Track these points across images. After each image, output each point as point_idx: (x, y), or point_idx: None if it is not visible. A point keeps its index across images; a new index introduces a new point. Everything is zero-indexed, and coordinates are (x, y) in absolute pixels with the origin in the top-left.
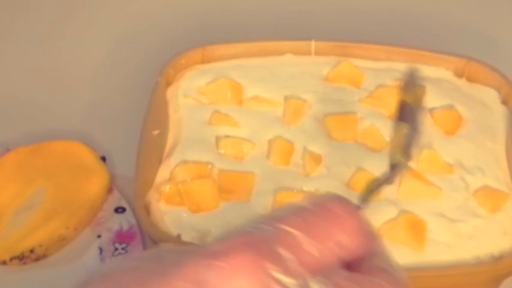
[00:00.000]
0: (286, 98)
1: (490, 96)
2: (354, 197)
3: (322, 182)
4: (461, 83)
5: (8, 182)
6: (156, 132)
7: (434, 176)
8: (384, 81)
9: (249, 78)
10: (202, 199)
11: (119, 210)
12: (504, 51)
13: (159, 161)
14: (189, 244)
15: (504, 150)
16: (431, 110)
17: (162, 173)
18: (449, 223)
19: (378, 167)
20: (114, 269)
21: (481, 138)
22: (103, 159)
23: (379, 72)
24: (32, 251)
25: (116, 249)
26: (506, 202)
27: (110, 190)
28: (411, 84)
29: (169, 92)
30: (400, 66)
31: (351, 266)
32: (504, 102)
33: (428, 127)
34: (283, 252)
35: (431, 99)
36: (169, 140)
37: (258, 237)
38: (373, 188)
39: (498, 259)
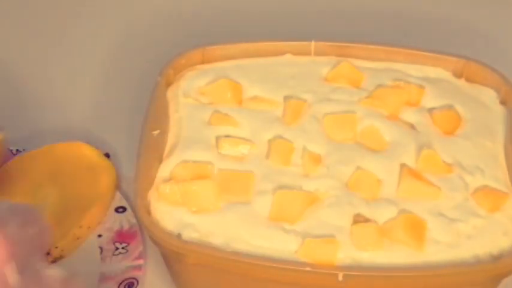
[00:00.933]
0: (285, 98)
1: (489, 97)
2: (353, 197)
3: (321, 181)
4: (461, 83)
5: (15, 188)
6: (156, 132)
7: (433, 176)
8: (383, 81)
9: (249, 79)
10: (202, 199)
11: (120, 209)
12: (503, 52)
13: (160, 161)
14: (190, 243)
15: (503, 150)
16: (430, 110)
17: (162, 172)
18: (448, 223)
19: (377, 167)
20: None
21: (480, 138)
22: (107, 155)
23: (378, 72)
24: (48, 253)
25: (117, 248)
26: (505, 202)
27: (118, 185)
28: None
29: (170, 92)
30: (400, 67)
31: None
32: (503, 102)
33: (427, 127)
34: None
35: (430, 99)
36: (170, 140)
37: None
38: None
39: (497, 258)
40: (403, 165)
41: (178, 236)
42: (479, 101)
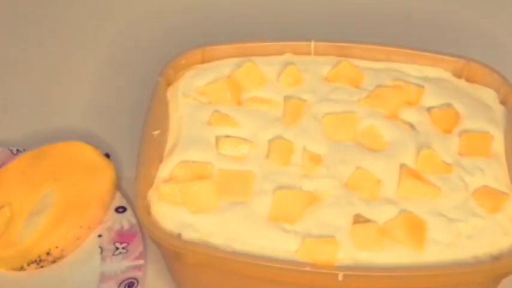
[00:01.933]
0: (285, 98)
1: (489, 96)
2: (353, 197)
3: (321, 181)
4: (460, 83)
5: (16, 189)
6: (156, 132)
7: (433, 176)
8: (383, 81)
9: (248, 77)
10: (202, 199)
11: (120, 209)
12: (503, 52)
13: (160, 161)
14: (190, 243)
15: (503, 150)
16: (429, 109)
17: (162, 172)
18: (448, 223)
19: (377, 167)
20: None
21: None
22: (107, 156)
23: (378, 72)
24: (48, 253)
25: (117, 248)
26: (505, 202)
27: (117, 186)
28: None
29: (170, 92)
30: (400, 67)
31: None
32: (503, 102)
33: (427, 126)
34: None
35: (430, 98)
36: (170, 140)
37: None
38: None
39: (497, 259)
40: (402, 165)
41: (179, 236)
42: (479, 100)
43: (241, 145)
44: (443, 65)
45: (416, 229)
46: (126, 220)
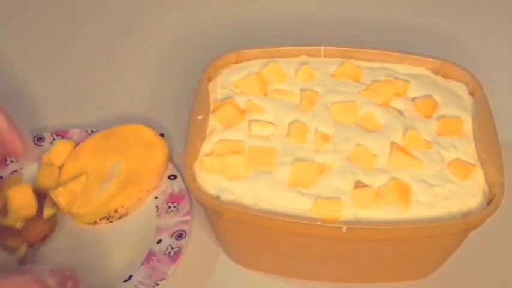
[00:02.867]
0: (302, 90)
1: (460, 89)
2: (354, 167)
3: (329, 155)
4: (438, 78)
5: (90, 161)
6: (200, 117)
7: (416, 151)
8: (377, 78)
9: (272, 74)
10: (236, 169)
11: (172, 177)
12: (472, 54)
13: (203, 139)
14: (226, 203)
15: (471, 131)
16: (413, 99)
17: (205, 148)
18: (428, 187)
19: (372, 144)
20: None
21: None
22: (162, 135)
23: (374, 71)
24: (116, 211)
25: (169, 207)
26: (473, 171)
27: (170, 158)
28: None
29: (211, 86)
30: (390, 66)
31: None
32: (471, 93)
33: (411, 112)
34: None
35: (414, 91)
36: (210, 123)
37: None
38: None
39: (466, 215)
40: (393, 143)
41: (217, 197)
42: (453, 92)
43: (267, 127)
44: (424, 64)
45: (403, 192)
46: (177, 185)
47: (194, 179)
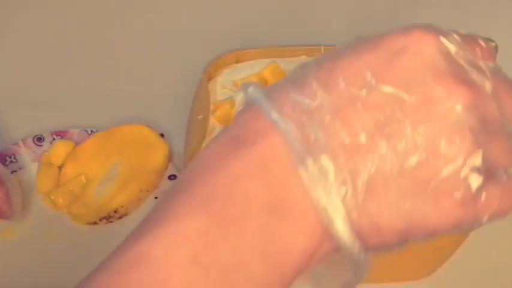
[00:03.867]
0: None
1: None
2: None
3: None
4: None
5: (90, 161)
6: (200, 116)
7: None
8: None
9: (273, 75)
10: None
11: (172, 177)
12: None
13: (203, 139)
14: None
15: None
16: None
17: None
18: None
19: None
20: None
21: None
22: (162, 135)
23: None
24: (115, 211)
25: None
26: None
27: (170, 158)
28: None
29: (211, 85)
30: None
31: None
32: None
33: None
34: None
35: None
36: (210, 123)
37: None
38: None
39: None
40: None
41: None
42: None
43: None
44: None
45: None
46: None
47: None
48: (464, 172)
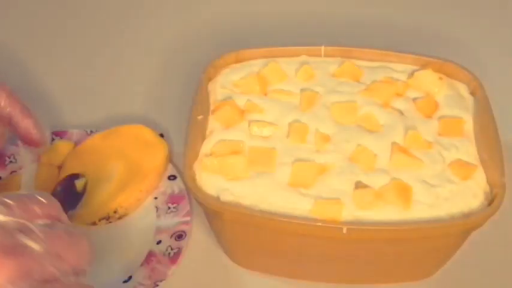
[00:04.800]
0: (302, 90)
1: (461, 89)
2: (355, 168)
3: (330, 155)
4: None
5: (90, 161)
6: (200, 117)
7: (417, 151)
8: (377, 77)
9: (273, 75)
10: (236, 169)
11: (171, 177)
12: (472, 54)
13: (203, 140)
14: (226, 204)
15: (472, 131)
16: (414, 99)
17: (205, 148)
18: (429, 188)
19: (373, 144)
20: None
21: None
22: (161, 135)
23: (374, 70)
24: (115, 211)
25: (169, 208)
26: (474, 172)
27: (170, 159)
28: None
29: (210, 85)
30: (391, 66)
31: None
32: (472, 93)
33: (412, 112)
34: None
35: (414, 91)
36: (210, 123)
37: None
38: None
39: (467, 216)
40: (393, 143)
41: (217, 198)
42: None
43: (267, 127)
44: (425, 64)
45: (404, 193)
46: (177, 186)
47: (194, 180)
48: None
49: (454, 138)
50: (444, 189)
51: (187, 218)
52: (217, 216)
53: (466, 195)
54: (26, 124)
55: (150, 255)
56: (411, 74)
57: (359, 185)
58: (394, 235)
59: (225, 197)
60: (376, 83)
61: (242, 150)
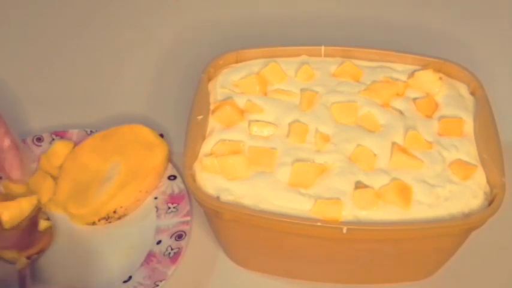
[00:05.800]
0: (302, 90)
1: (462, 89)
2: (355, 168)
3: (330, 155)
4: None
5: (90, 161)
6: (200, 117)
7: (417, 151)
8: (377, 77)
9: (273, 75)
10: (236, 169)
11: (171, 177)
12: (472, 54)
13: (203, 140)
14: (226, 204)
15: (472, 131)
16: (414, 99)
17: (205, 148)
18: (430, 188)
19: (373, 144)
20: None
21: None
22: (161, 135)
23: (374, 70)
24: (115, 211)
25: (169, 208)
26: (474, 172)
27: (170, 159)
28: None
29: (210, 85)
30: (391, 66)
31: None
32: (472, 93)
33: (412, 112)
34: None
35: (414, 91)
36: (210, 123)
37: None
38: None
39: (467, 216)
40: (393, 143)
41: (217, 198)
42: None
43: (267, 127)
44: (425, 64)
45: (404, 193)
46: (176, 186)
47: (194, 180)
48: None
49: (454, 138)
50: (444, 189)
51: (187, 218)
52: (217, 216)
53: (466, 195)
54: (10, 164)
55: (150, 255)
56: (411, 74)
57: (359, 185)
58: (394, 235)
59: (225, 197)
60: (376, 83)
61: (242, 150)
